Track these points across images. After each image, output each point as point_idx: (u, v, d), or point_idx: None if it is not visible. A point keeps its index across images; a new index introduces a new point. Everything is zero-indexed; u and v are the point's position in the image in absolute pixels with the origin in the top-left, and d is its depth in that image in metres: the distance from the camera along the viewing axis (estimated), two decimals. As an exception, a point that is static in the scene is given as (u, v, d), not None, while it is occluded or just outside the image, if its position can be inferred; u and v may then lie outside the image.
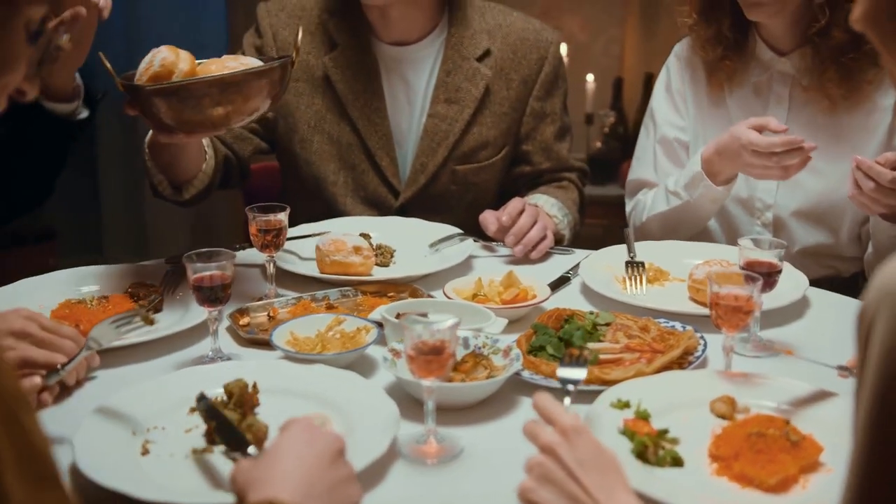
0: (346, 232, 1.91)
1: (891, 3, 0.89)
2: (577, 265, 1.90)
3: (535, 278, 1.79)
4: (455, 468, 1.25)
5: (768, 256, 1.57)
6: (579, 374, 1.21)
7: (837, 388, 1.36)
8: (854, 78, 2.00)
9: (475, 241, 2.03)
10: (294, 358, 1.48)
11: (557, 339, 1.52)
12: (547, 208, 2.14)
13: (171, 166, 1.90)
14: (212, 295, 1.48)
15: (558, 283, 1.85)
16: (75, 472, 1.17)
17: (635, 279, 1.84)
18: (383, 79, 2.15)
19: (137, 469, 1.19)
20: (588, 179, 2.37)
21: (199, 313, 1.57)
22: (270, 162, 2.51)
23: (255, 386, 1.32)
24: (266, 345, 1.54)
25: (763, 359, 1.55)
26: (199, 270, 1.47)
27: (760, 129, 1.89)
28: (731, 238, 2.12)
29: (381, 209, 2.17)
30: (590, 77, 4.05)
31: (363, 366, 1.50)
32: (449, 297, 1.70)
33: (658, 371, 1.43)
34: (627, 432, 1.26)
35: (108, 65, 1.59)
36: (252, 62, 1.66)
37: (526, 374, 1.44)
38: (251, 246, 1.84)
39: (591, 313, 1.61)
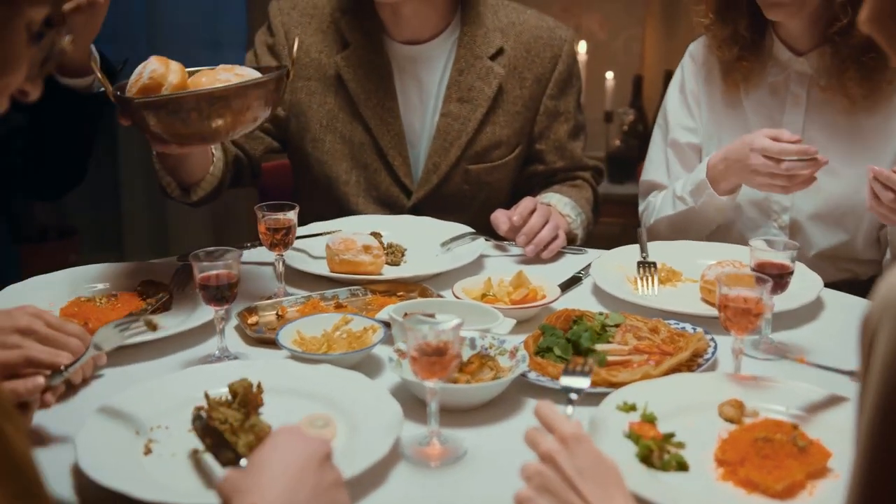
0: (356, 231, 1.91)
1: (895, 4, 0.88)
2: (589, 265, 1.89)
3: (546, 278, 1.77)
4: (458, 470, 1.24)
5: (780, 258, 1.55)
6: (583, 382, 1.19)
7: (849, 393, 1.34)
8: (874, 78, 1.97)
9: (487, 240, 2.02)
10: (300, 357, 1.48)
11: (565, 340, 1.50)
12: (560, 207, 2.12)
13: (178, 170, 1.90)
14: (218, 294, 1.48)
15: (569, 284, 1.83)
16: (77, 471, 1.17)
17: (647, 280, 1.82)
18: (396, 78, 2.14)
19: (139, 469, 1.19)
20: (602, 178, 2.36)
21: (207, 312, 1.56)
22: (287, 160, 2.51)
23: (259, 386, 1.31)
24: (273, 344, 1.53)
25: (774, 361, 1.52)
26: (205, 269, 1.47)
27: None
28: (748, 240, 2.09)
29: (393, 209, 2.16)
30: (609, 75, 4.02)
31: (370, 365, 1.50)
32: (458, 297, 1.69)
33: (666, 373, 1.42)
34: (633, 436, 1.24)
35: (100, 73, 1.58)
36: (248, 73, 1.64)
37: (532, 375, 1.43)
38: (262, 244, 1.84)
39: (601, 314, 1.60)
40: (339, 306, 1.72)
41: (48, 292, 1.70)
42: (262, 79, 1.62)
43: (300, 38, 2.13)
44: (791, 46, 2.06)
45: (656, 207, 2.16)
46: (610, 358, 1.46)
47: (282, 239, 1.73)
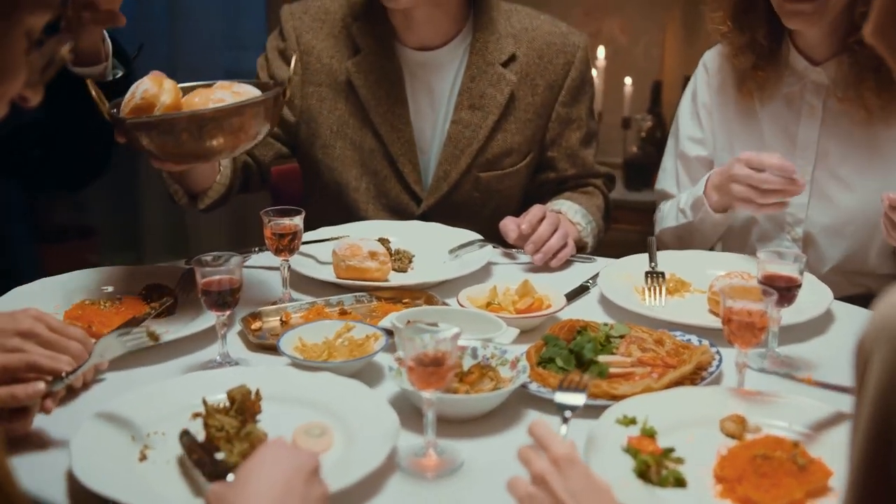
0: (364, 236, 1.90)
1: None
2: (597, 274, 1.87)
3: (553, 287, 1.76)
4: (454, 482, 1.23)
5: (788, 270, 1.53)
6: (578, 399, 1.18)
7: (854, 410, 1.32)
8: (893, 88, 1.94)
9: (495, 247, 2.00)
10: (300, 364, 1.47)
11: (568, 351, 1.49)
12: (570, 215, 2.10)
13: (184, 179, 1.90)
14: (220, 299, 1.48)
15: (576, 293, 1.82)
16: (71, 476, 1.17)
17: (654, 290, 1.80)
18: (406, 84, 2.13)
19: (132, 475, 1.19)
20: (614, 185, 2.34)
21: (210, 317, 1.56)
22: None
23: (258, 393, 1.31)
24: (275, 350, 1.53)
25: (780, 376, 1.50)
26: (207, 275, 1.47)
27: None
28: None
29: (403, 216, 2.15)
30: (628, 80, 3.99)
31: (371, 374, 1.49)
32: (462, 305, 1.68)
33: (668, 386, 1.40)
34: (631, 450, 1.23)
35: (94, 92, 1.58)
36: (247, 90, 1.63)
37: (533, 386, 1.41)
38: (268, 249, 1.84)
39: (606, 325, 1.58)
40: (343, 313, 1.72)
41: (53, 295, 1.71)
42: (255, 99, 1.60)
43: (311, 42, 2.13)
44: (808, 56, 2.04)
45: (663, 217, 2.15)
46: (612, 370, 1.45)
47: (287, 244, 1.73)
